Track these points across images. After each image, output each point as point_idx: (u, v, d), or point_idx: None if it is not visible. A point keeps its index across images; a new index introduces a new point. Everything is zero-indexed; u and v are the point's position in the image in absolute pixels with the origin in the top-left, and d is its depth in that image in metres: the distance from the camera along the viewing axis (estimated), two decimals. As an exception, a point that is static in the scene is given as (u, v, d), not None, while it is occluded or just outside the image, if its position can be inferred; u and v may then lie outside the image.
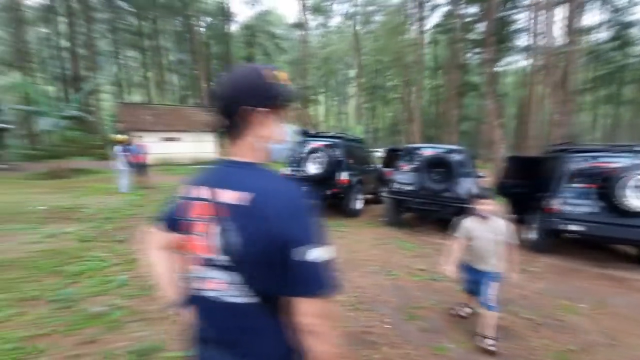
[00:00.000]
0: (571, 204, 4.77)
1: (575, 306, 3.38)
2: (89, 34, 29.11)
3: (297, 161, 7.15)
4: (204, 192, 0.82)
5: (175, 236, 0.94)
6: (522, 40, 31.83)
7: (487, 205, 2.55)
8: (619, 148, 4.89)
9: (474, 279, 2.65)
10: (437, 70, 40.60)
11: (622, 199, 4.22)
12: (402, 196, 6.09)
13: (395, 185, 6.19)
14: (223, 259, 0.77)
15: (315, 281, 0.73)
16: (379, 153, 18.57)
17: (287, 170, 7.11)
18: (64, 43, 30.97)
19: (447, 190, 5.61)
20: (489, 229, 2.54)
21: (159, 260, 0.99)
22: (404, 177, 6.15)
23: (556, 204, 4.85)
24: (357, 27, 29.05)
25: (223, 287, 0.78)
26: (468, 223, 2.65)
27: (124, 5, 31.84)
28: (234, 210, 0.75)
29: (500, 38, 26.90)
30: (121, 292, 3.14)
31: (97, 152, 21.05)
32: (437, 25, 33.46)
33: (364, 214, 7.59)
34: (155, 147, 16.03)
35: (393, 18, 31.50)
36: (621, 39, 29.28)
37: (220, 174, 0.83)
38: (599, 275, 4.34)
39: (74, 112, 13.23)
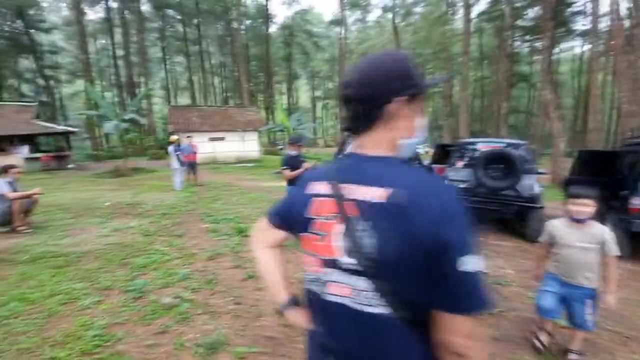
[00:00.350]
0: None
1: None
2: (141, 42, 31.32)
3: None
4: (329, 187, 0.74)
5: (286, 234, 0.89)
6: (581, 24, 29.08)
7: (584, 207, 2.05)
8: None
9: (561, 294, 2.21)
10: (482, 60, 38.40)
11: None
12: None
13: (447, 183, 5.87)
14: (350, 261, 0.69)
15: (474, 295, 0.62)
16: (422, 149, 17.93)
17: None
18: (120, 52, 33.67)
19: (509, 188, 5.20)
20: (583, 235, 2.08)
21: (268, 258, 0.94)
22: (457, 174, 5.81)
23: (638, 203, 4.29)
24: (397, 20, 28.24)
25: (348, 292, 0.70)
26: (556, 227, 2.22)
27: (173, 13, 33.79)
28: (369, 208, 0.66)
29: (557, 22, 24.72)
30: (185, 284, 3.27)
31: (153, 152, 22.65)
32: (482, 13, 31.61)
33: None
34: (203, 146, 16.81)
35: (435, 8, 30.21)
36: None
37: (351, 169, 0.74)
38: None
39: (132, 116, 14.28)
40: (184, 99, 41.48)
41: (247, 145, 21.34)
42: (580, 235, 2.09)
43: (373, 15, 40.21)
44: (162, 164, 16.96)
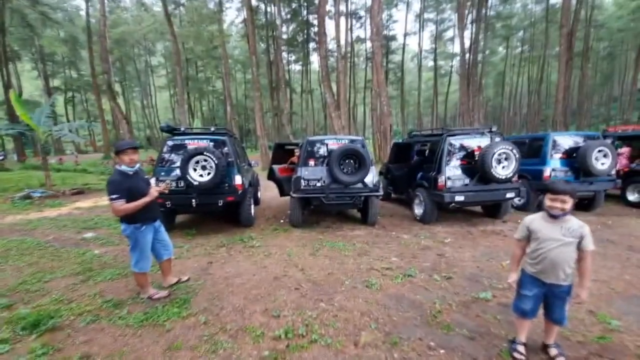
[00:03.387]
0: (453, 179, 5.74)
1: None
2: None
3: (170, 168, 5.40)
4: None
5: None
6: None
7: (562, 203, 2.01)
8: (478, 130, 6.21)
9: (538, 294, 2.17)
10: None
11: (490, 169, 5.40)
12: (313, 193, 5.60)
13: (303, 183, 5.62)
14: None
15: None
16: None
17: (155, 181, 5.21)
18: None
19: (360, 181, 5.57)
20: (561, 230, 2.04)
21: None
22: (311, 172, 5.66)
23: (442, 180, 5.70)
24: (170, 8, 25.05)
25: None
26: (534, 222, 2.15)
27: None
28: None
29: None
30: None
31: None
32: (244, 21, 33.72)
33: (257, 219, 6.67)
34: None
35: (203, 4, 29.26)
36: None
37: None
38: (489, 232, 5.48)
39: None
40: None
41: None
42: (560, 229, 2.05)
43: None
44: None
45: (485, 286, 3.36)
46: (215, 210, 5.68)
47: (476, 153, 5.71)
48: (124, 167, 2.88)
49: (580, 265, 2.07)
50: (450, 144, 5.83)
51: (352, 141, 5.83)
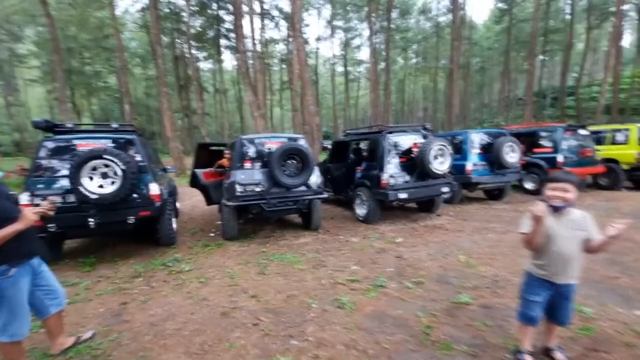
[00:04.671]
0: (395, 177, 5.66)
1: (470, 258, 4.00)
2: None
3: (51, 179, 4.00)
4: None
5: None
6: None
7: (563, 192, 1.83)
8: (415, 127, 6.27)
9: (547, 297, 1.97)
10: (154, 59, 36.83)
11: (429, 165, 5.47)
12: (252, 200, 4.82)
13: (239, 189, 4.79)
14: None
15: None
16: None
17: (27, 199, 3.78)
18: None
19: (304, 183, 5.02)
20: (569, 224, 1.87)
21: None
22: (248, 176, 4.87)
23: (385, 178, 5.57)
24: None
25: None
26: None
27: None
28: None
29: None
30: None
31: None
32: (146, 9, 29.94)
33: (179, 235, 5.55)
34: None
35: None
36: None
37: None
38: (431, 227, 5.52)
39: None
40: None
41: None
42: (568, 224, 1.87)
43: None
44: None
45: (457, 287, 3.18)
46: (123, 230, 4.43)
47: (414, 150, 5.75)
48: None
49: (593, 247, 1.85)
50: (390, 142, 5.75)
51: (291, 139, 5.24)
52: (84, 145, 4.13)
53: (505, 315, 2.64)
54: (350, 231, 5.52)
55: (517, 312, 2.11)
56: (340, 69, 47.01)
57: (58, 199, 3.86)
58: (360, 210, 6.14)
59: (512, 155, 6.93)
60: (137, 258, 4.49)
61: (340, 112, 49.08)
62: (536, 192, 8.06)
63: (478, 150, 7.19)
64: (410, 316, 2.68)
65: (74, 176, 3.77)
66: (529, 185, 8.32)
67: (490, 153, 7.06)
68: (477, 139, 7.26)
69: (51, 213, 2.10)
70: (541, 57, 32.78)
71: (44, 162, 4.03)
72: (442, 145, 5.58)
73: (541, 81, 36.90)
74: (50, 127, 4.31)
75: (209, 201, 6.16)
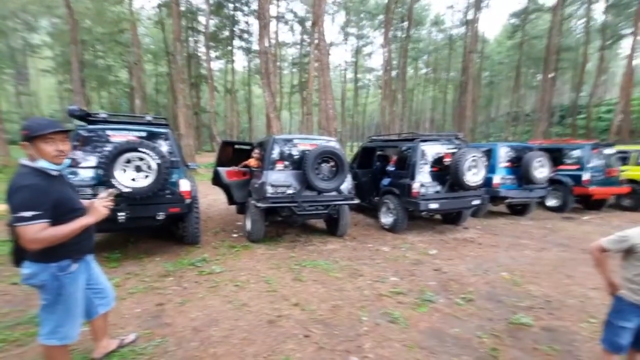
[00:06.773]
0: (426, 186, 5.50)
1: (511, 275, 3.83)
2: None
3: (81, 170, 3.85)
4: None
5: None
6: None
7: None
8: (448, 136, 6.14)
9: (638, 323, 1.79)
10: (168, 55, 37.02)
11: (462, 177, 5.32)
12: (283, 202, 4.66)
13: (270, 190, 4.64)
14: None
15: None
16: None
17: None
18: None
19: (336, 189, 4.87)
20: None
21: None
22: (280, 178, 4.72)
23: (416, 188, 5.41)
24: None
25: None
26: (635, 231, 1.75)
27: None
28: None
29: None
30: None
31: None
32: (162, 5, 30.11)
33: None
34: None
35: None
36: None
37: None
38: (461, 240, 5.34)
39: None
40: None
41: None
42: None
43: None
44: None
45: (510, 306, 3.01)
46: (151, 226, 4.29)
47: (446, 160, 5.60)
48: (42, 164, 1.61)
49: None
50: (422, 150, 5.61)
51: (330, 141, 5.10)
52: (118, 136, 4.00)
53: (571, 340, 2.48)
54: (378, 240, 5.35)
55: (603, 339, 1.95)
56: (350, 75, 47.11)
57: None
58: (386, 219, 5.97)
59: (541, 170, 6.78)
60: (162, 256, 4.33)
61: (348, 118, 49.07)
62: (558, 209, 7.89)
63: (506, 164, 7.04)
64: (470, 336, 2.51)
65: (108, 168, 3.64)
66: (551, 203, 8.12)
67: (517, 167, 6.91)
68: (504, 152, 7.11)
69: (112, 203, 1.96)
70: (551, 74, 32.92)
71: (76, 152, 3.90)
72: (477, 156, 5.44)
73: (550, 98, 36.91)
74: (84, 116, 4.19)
75: (231, 201, 6.01)
